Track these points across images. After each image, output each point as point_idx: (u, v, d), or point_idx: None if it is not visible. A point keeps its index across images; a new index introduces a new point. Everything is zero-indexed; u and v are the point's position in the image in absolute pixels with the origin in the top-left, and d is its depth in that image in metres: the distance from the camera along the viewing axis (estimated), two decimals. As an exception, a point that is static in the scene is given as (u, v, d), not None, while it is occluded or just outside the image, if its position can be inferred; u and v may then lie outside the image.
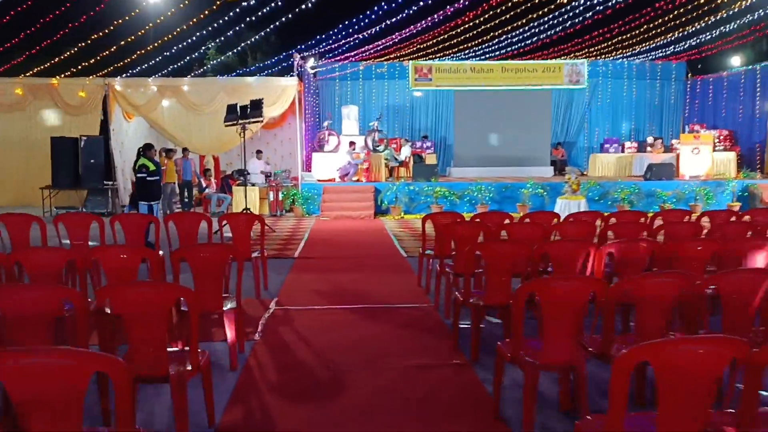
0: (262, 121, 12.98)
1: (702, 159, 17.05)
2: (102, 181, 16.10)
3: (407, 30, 16.49)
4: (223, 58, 24.74)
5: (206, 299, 4.34)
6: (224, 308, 4.47)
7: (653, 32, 19.09)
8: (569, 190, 14.71)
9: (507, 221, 7.00)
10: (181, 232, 6.52)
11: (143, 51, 16.26)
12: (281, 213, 15.64)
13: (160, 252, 6.88)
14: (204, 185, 16.78)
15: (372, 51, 19.02)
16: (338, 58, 20.34)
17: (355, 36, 16.15)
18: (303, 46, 16.45)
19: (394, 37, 16.84)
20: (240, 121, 12.17)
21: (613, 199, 15.83)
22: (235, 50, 18.31)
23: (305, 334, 5.48)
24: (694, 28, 18.58)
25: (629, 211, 7.84)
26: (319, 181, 16.73)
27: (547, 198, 15.63)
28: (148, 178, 9.63)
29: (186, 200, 15.85)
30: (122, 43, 15.60)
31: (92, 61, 15.79)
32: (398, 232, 12.42)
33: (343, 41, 16.60)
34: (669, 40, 19.70)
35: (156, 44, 16.51)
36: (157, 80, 16.57)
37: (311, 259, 9.42)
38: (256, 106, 12.14)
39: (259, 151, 16.91)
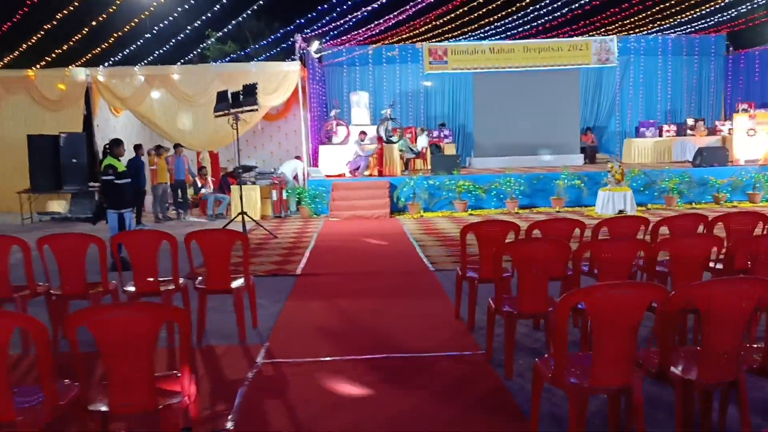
0: (257, 109, 11.15)
1: (759, 141, 15.06)
2: (86, 183, 14.56)
3: (419, 3, 14.57)
4: (214, 40, 22.81)
5: (125, 396, 2.56)
6: (162, 405, 2.67)
7: (689, 2, 17.09)
8: (612, 180, 13.01)
9: (577, 230, 5.18)
10: (134, 259, 4.72)
11: (119, 33, 14.40)
12: (286, 214, 13.91)
13: (113, 282, 5.12)
14: (200, 185, 15.05)
15: (382, 31, 17.10)
16: (344, 39, 18.44)
17: (362, 10, 14.23)
18: (303, 21, 14.56)
19: (407, 9, 14.89)
20: (232, 110, 10.40)
21: (660, 190, 13.96)
22: (227, 28, 16.30)
23: (302, 414, 3.65)
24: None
25: (744, 212, 5.93)
26: (327, 176, 14.89)
27: (586, 190, 13.79)
28: (116, 181, 7.88)
29: (180, 201, 14.22)
30: (93, 23, 13.74)
31: (65, 47, 14.00)
32: (420, 235, 10.57)
33: (350, 16, 14.67)
34: (707, 10, 17.67)
35: (134, 22, 14.66)
36: (144, 69, 14.91)
37: (317, 276, 7.62)
38: (250, 92, 10.34)
39: (298, 158, 15.35)
